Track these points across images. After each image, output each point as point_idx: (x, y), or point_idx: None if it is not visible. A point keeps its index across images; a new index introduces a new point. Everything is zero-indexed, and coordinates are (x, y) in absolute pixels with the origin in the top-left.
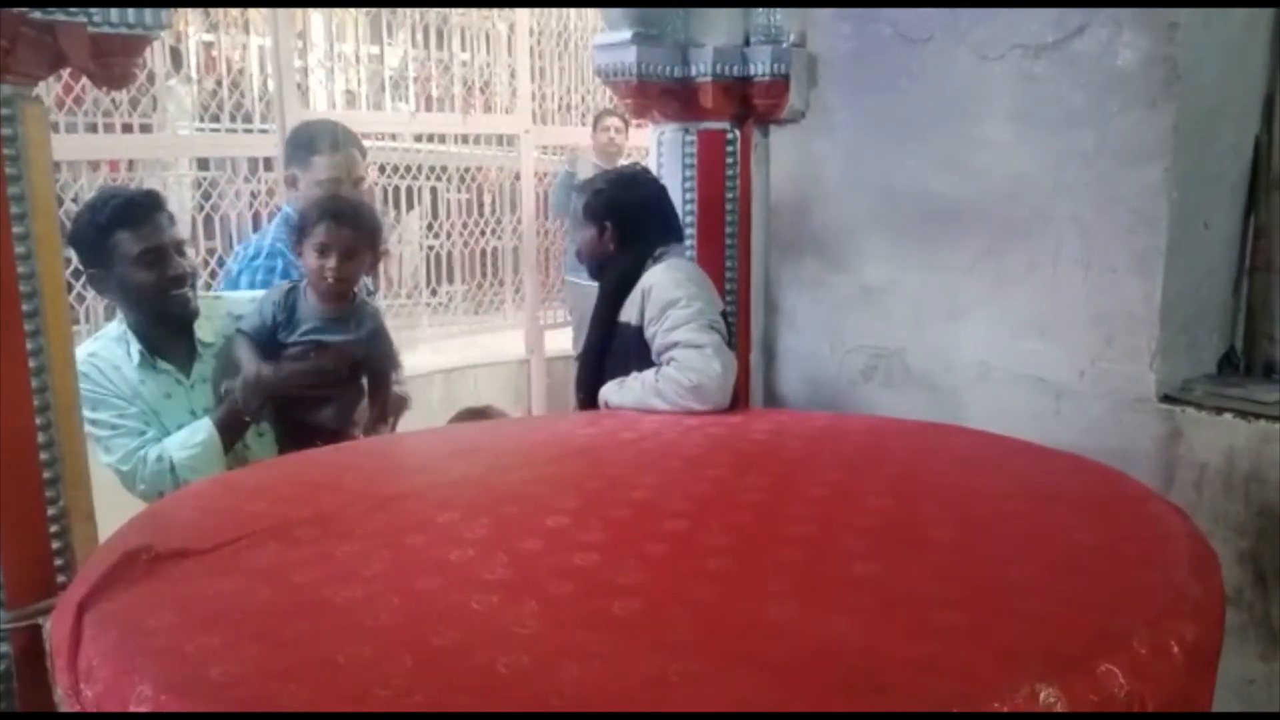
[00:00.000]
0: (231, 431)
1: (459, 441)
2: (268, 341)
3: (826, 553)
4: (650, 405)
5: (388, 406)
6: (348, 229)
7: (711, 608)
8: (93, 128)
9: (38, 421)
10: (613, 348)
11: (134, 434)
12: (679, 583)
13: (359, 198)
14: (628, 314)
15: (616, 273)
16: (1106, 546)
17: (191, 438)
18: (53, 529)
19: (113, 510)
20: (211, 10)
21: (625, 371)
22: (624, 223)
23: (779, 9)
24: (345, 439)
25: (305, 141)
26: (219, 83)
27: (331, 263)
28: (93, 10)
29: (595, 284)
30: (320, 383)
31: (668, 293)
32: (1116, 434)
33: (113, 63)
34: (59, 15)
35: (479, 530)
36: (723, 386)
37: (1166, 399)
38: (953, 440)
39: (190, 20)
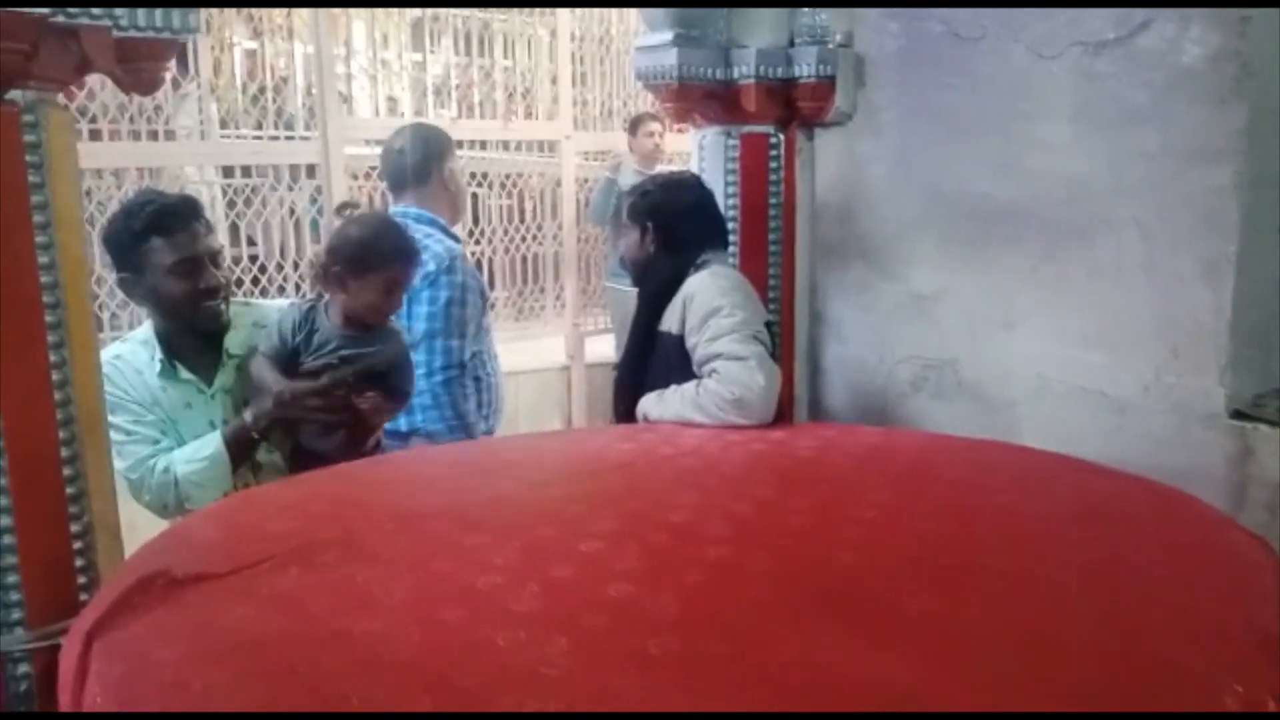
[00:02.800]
0: (240, 448)
1: (494, 456)
2: (285, 360)
3: (876, 584)
4: (690, 419)
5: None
6: (413, 265)
7: (753, 647)
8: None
9: (61, 435)
10: (652, 358)
11: (147, 442)
12: (719, 619)
13: (402, 226)
14: (668, 323)
15: (657, 280)
16: (1182, 580)
17: (198, 452)
18: (76, 545)
19: (149, 520)
20: (255, 17)
21: (665, 382)
22: (665, 226)
23: (823, 9)
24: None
25: (447, 144)
26: (261, 89)
27: (396, 299)
28: (118, 13)
29: (636, 290)
30: (334, 404)
31: (710, 301)
32: (1183, 452)
33: (140, 67)
34: (83, 19)
35: (509, 555)
36: (766, 400)
37: (1237, 415)
38: (1009, 459)
39: (234, 28)
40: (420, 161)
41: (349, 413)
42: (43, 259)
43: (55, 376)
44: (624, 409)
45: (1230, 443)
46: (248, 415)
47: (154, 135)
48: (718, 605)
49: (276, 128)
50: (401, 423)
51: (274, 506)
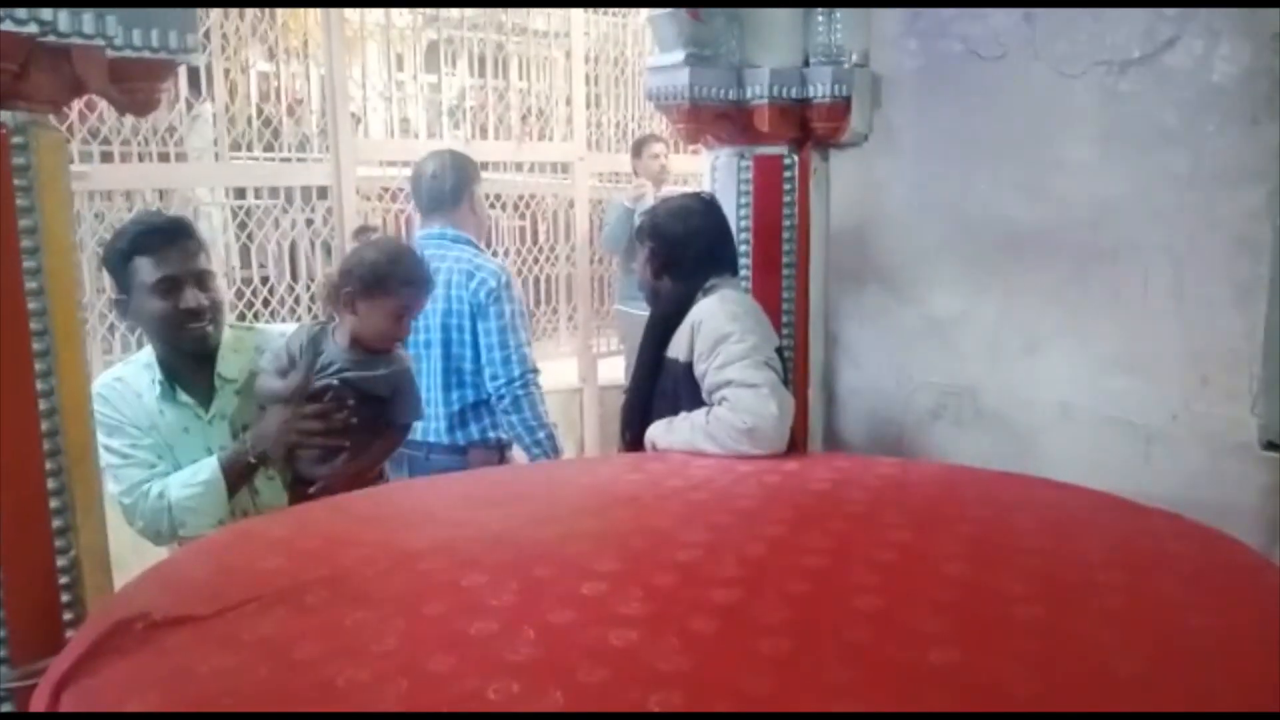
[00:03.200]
0: (236, 474)
1: (495, 489)
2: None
3: (897, 634)
4: (700, 448)
5: (391, 451)
6: (425, 291)
7: (765, 706)
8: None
9: (47, 465)
10: (660, 385)
11: (144, 466)
12: (727, 671)
13: (416, 252)
14: (676, 349)
15: (664, 304)
16: (1225, 630)
17: (193, 477)
18: (62, 580)
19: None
20: (270, 38)
21: (674, 411)
22: (666, 250)
23: (839, 28)
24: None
25: (475, 170)
26: (266, 112)
27: (404, 326)
28: (112, 33)
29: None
30: (336, 426)
31: (719, 327)
32: (1214, 484)
33: (135, 88)
34: (75, 39)
35: (505, 597)
36: (779, 429)
37: (1270, 445)
38: (1035, 494)
39: (250, 48)
40: (452, 186)
41: (347, 434)
42: (31, 284)
43: (43, 405)
44: (631, 436)
45: (1262, 474)
46: (246, 440)
47: (165, 157)
48: (727, 657)
49: (289, 150)
50: (458, 435)
51: (264, 542)
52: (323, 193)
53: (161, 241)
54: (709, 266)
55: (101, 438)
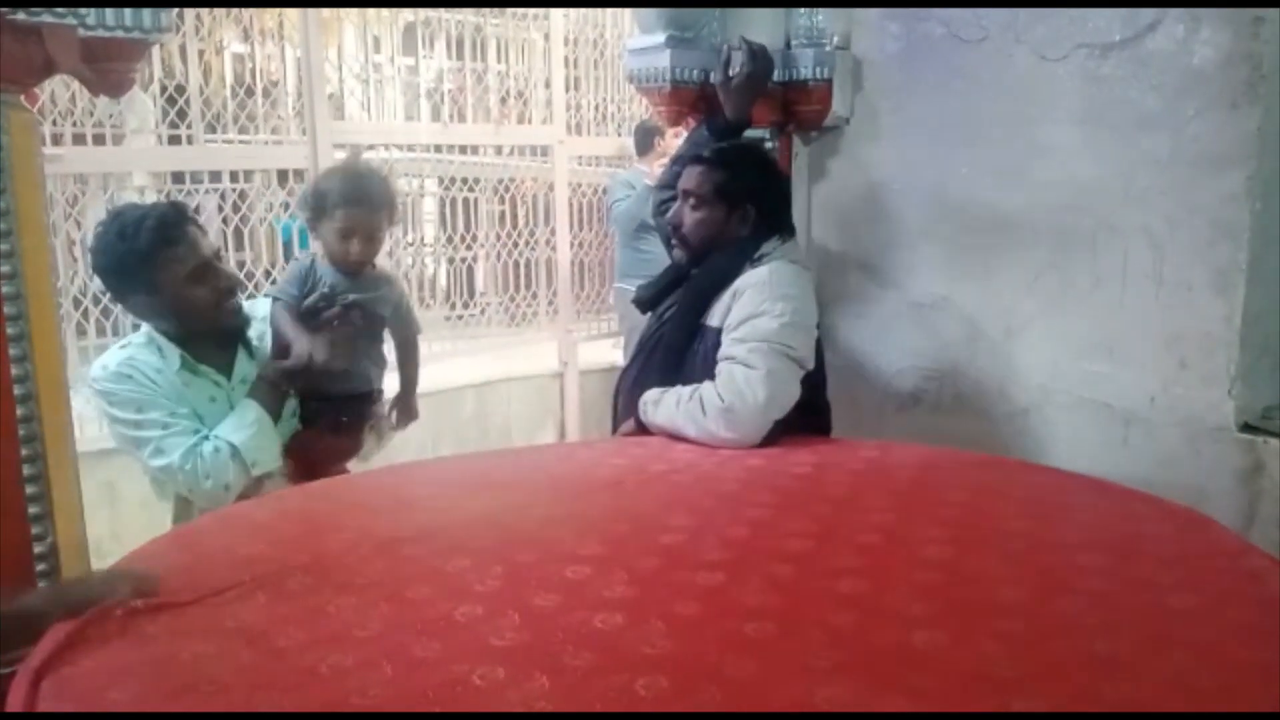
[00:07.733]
0: (273, 405)
1: (477, 473)
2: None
3: (881, 617)
4: (678, 427)
5: (416, 376)
6: (367, 211)
7: (750, 689)
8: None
9: (24, 452)
10: (690, 350)
11: (188, 432)
12: (712, 654)
13: (372, 171)
14: (715, 316)
15: (713, 270)
16: (1206, 613)
17: (243, 419)
18: (40, 567)
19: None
20: (245, 19)
21: (698, 379)
22: (768, 209)
23: (820, 11)
24: (367, 407)
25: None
26: (248, 93)
27: (355, 246)
28: (84, 12)
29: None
30: (344, 335)
31: (759, 304)
32: (1191, 467)
33: (109, 68)
34: (46, 17)
35: (490, 582)
36: (758, 419)
37: (1247, 428)
38: (1015, 477)
39: (226, 30)
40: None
41: (353, 341)
42: (3, 267)
43: (18, 391)
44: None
45: (1240, 456)
46: (265, 370)
47: (119, 139)
48: (711, 639)
49: (260, 133)
50: None
51: (245, 528)
52: (299, 176)
53: (178, 231)
54: (770, 224)
55: (132, 415)
